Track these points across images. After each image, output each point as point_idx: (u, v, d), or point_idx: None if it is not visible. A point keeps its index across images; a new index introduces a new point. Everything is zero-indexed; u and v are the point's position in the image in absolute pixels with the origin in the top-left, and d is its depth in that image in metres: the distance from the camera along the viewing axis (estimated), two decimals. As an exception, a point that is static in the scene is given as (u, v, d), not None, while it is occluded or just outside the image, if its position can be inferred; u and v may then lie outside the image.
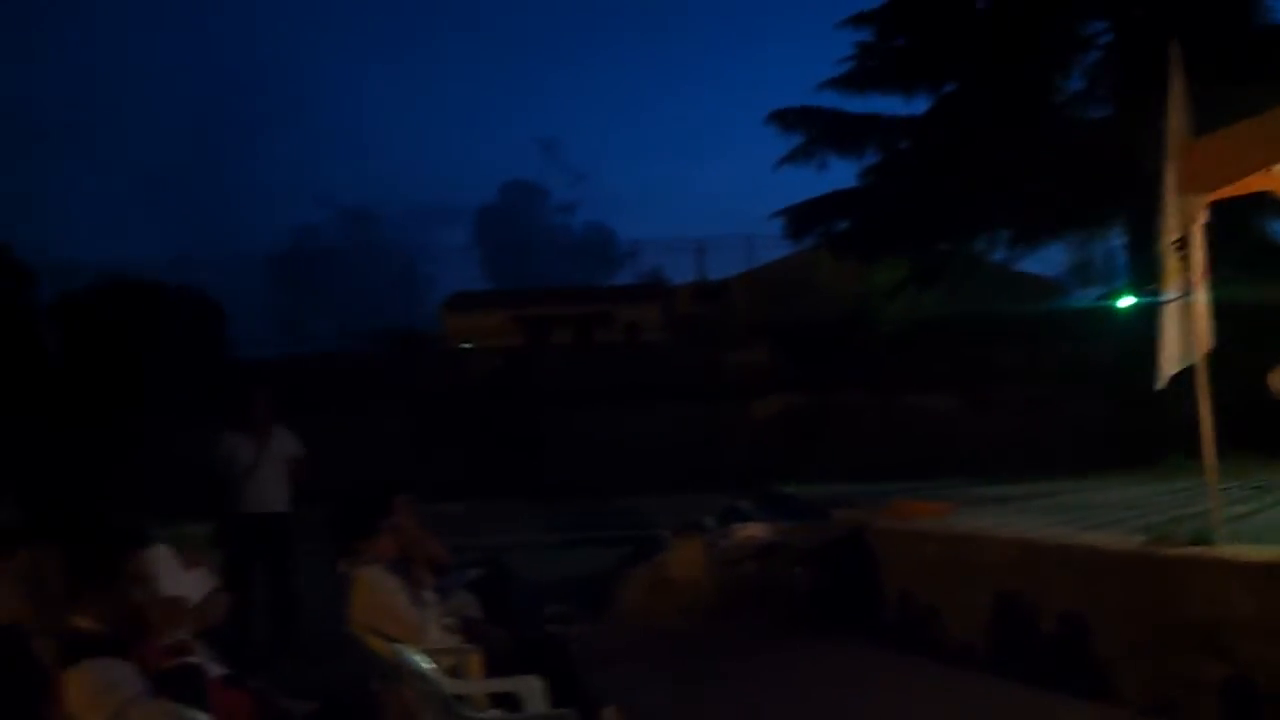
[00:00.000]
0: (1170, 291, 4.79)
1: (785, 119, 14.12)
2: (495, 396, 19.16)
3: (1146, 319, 6.38)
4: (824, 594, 7.17)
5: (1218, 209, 4.89)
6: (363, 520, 4.33)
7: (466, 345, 25.63)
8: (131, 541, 2.79)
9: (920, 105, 13.93)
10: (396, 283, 26.52)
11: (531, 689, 3.70)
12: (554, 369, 20.65)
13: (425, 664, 3.49)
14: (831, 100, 14.08)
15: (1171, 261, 4.77)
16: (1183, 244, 4.75)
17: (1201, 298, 4.79)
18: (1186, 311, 4.75)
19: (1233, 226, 9.41)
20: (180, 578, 2.95)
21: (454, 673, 3.99)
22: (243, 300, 23.87)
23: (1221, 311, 4.93)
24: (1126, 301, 11.80)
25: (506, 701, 3.89)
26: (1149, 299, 7.88)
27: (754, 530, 7.66)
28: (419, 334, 25.40)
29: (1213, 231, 4.88)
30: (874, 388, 17.46)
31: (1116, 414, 11.77)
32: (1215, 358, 4.88)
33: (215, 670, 2.84)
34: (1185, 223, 4.73)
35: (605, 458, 17.30)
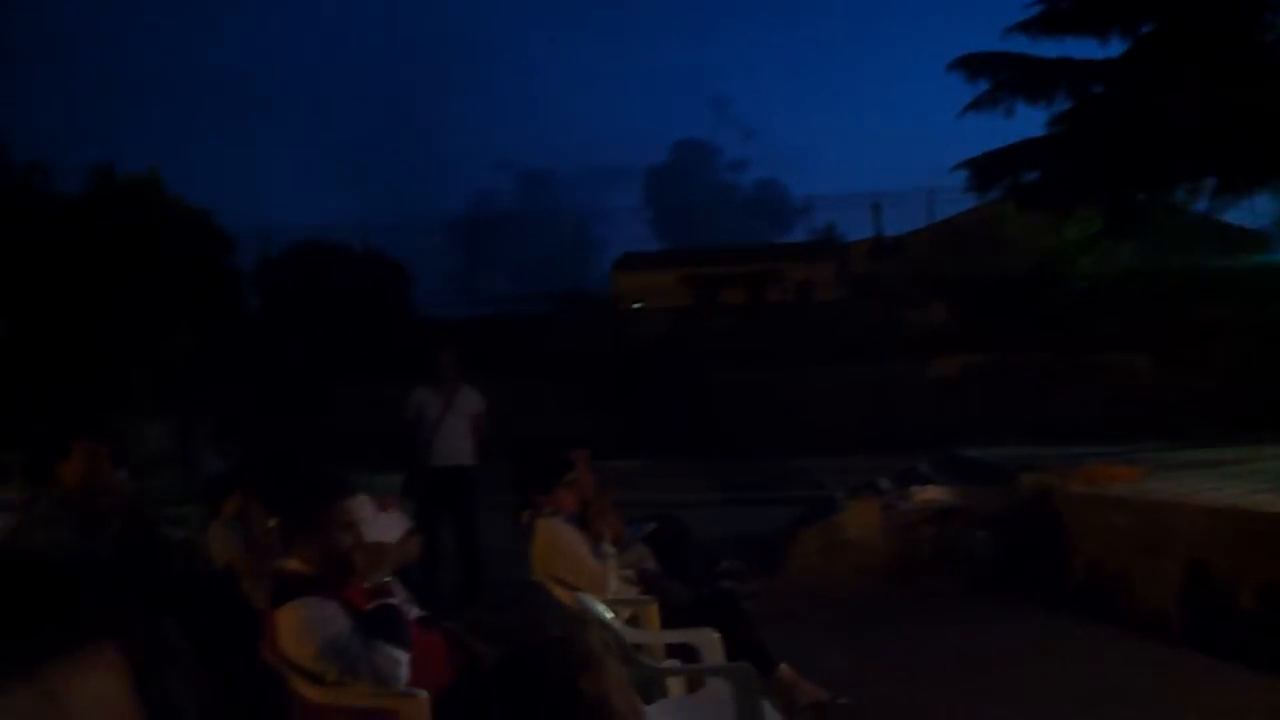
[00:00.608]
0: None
1: (970, 65, 13.51)
2: (665, 356, 19.30)
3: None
4: (1006, 560, 6.96)
5: None
6: (544, 474, 4.46)
7: (636, 305, 25.88)
8: (337, 489, 2.96)
9: (1115, 47, 13.08)
10: (569, 244, 26.96)
11: (709, 641, 3.74)
12: (724, 329, 20.60)
13: (606, 613, 3.58)
14: (1019, 45, 13.39)
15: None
16: None
17: None
18: None
19: None
20: (377, 522, 3.11)
21: (632, 623, 4.08)
22: (425, 263, 24.78)
23: None
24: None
25: (682, 652, 3.95)
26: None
27: (933, 493, 7.47)
28: (590, 294, 25.80)
29: None
30: (1062, 346, 16.69)
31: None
32: None
33: (413, 612, 2.99)
34: None
35: (776, 417, 17.23)
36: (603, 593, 3.99)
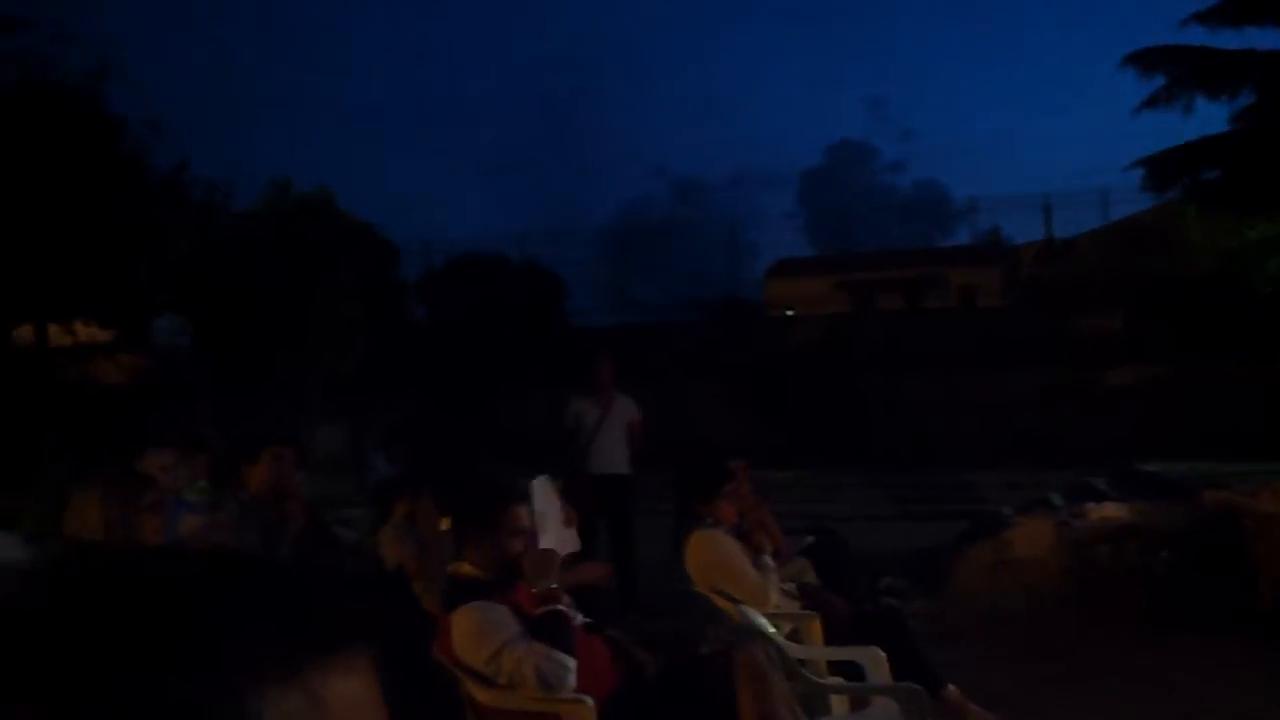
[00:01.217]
0: None
1: (1145, 60, 12.87)
2: (820, 364, 19.04)
3: None
4: (1188, 581, 6.56)
5: None
6: (705, 484, 4.45)
7: (789, 312, 25.62)
8: (509, 496, 3.03)
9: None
10: (721, 251, 26.86)
11: (875, 659, 3.66)
12: (881, 336, 20.15)
13: (769, 627, 3.54)
14: (1197, 37, 12.69)
15: None
16: None
17: None
18: None
19: None
20: (561, 534, 3.17)
21: (793, 638, 4.02)
22: (579, 271, 25.14)
23: None
24: None
25: (845, 670, 3.87)
26: None
27: (1109, 510, 7.10)
28: (743, 302, 25.68)
29: None
30: (1247, 355, 15.66)
31: None
32: None
33: (578, 619, 3.02)
34: None
35: (937, 428, 16.76)
36: (764, 606, 3.95)
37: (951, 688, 4.14)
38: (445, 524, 3.17)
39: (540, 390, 11.44)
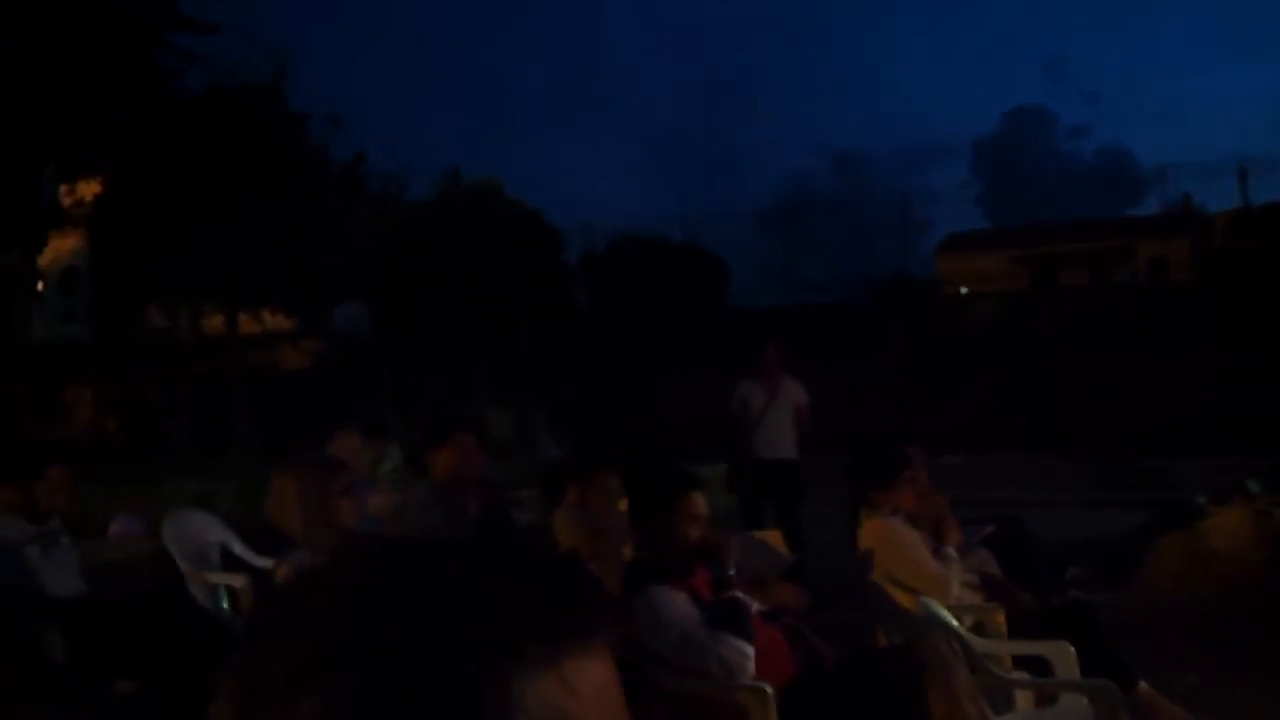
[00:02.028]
0: None
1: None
2: (996, 343, 18.34)
3: None
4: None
5: None
6: (882, 470, 4.35)
7: (963, 290, 24.79)
8: (686, 483, 3.05)
9: None
10: (889, 227, 26.18)
11: (1064, 654, 3.51)
12: (1063, 313, 19.22)
13: (951, 619, 3.45)
14: None
15: None
16: None
17: None
18: None
19: None
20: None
21: (975, 630, 3.90)
22: (741, 251, 24.99)
23: None
24: None
25: (1030, 664, 3.74)
26: None
27: (1318, 498, 6.61)
28: (913, 280, 24.99)
29: None
30: None
31: None
32: None
33: (755, 606, 3.02)
34: None
35: (1124, 410, 15.88)
36: (945, 598, 3.84)
37: (1144, 685, 3.95)
38: (624, 505, 3.22)
39: (703, 373, 11.45)
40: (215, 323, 20.59)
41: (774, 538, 4.82)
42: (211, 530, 5.70)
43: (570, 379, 18.39)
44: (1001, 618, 3.93)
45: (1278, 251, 18.88)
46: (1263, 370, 15.80)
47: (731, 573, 2.92)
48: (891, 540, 4.09)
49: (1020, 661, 3.77)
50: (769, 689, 2.71)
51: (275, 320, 21.39)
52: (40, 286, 21.74)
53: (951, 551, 4.21)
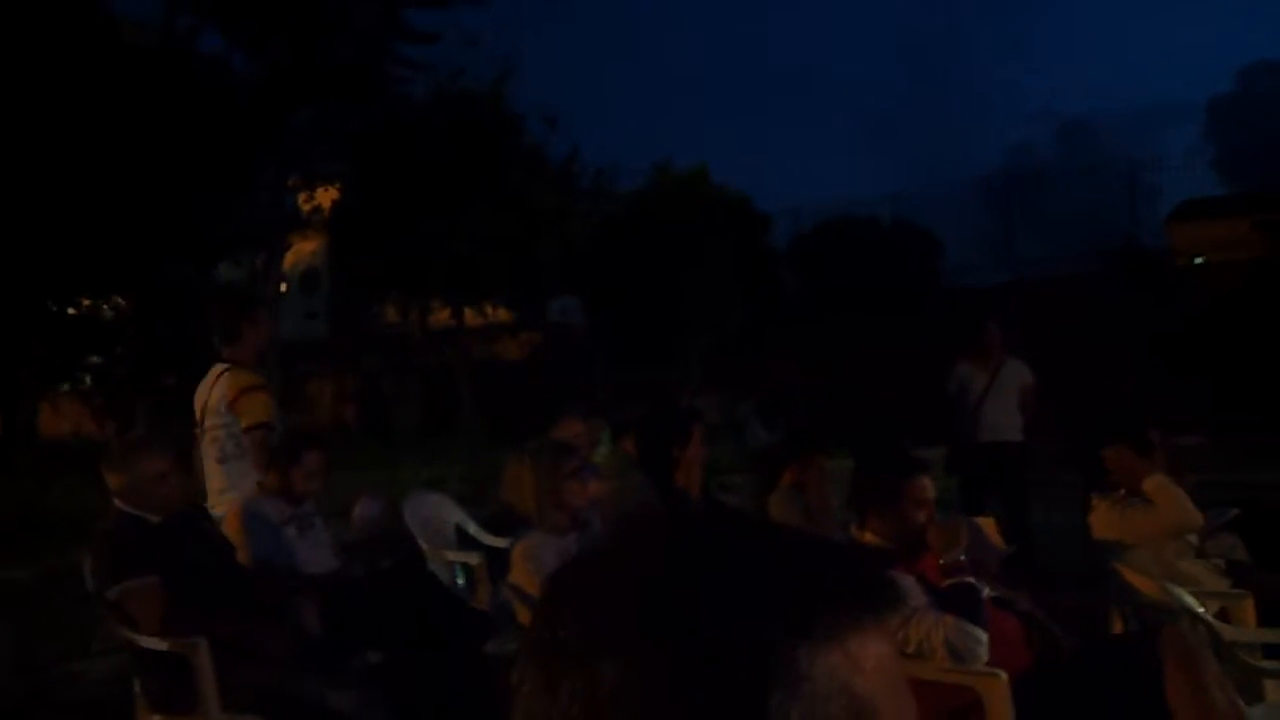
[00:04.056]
0: None
1: None
2: (1238, 315, 16.98)
3: None
4: None
5: None
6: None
7: (1199, 260, 23.02)
8: (912, 466, 3.03)
9: None
10: (1117, 196, 24.58)
11: (1323, 646, 3.27)
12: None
13: (1196, 606, 3.27)
14: None
15: None
16: None
17: None
18: None
19: None
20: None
21: (1221, 618, 3.69)
22: (958, 227, 24.04)
23: None
24: None
25: (1280, 654, 3.50)
26: None
27: None
28: (1145, 251, 23.39)
29: None
30: None
31: None
32: None
33: (987, 592, 2.97)
34: None
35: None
36: (1194, 515, 3.64)
37: None
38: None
39: (920, 354, 11.16)
40: (442, 317, 21.72)
41: (989, 525, 4.71)
42: (448, 511, 6.07)
43: (780, 363, 18.33)
44: (1250, 605, 3.69)
45: None
46: None
47: (963, 558, 2.88)
48: (1124, 518, 3.89)
49: (1271, 651, 3.54)
50: (1003, 675, 2.66)
51: (497, 314, 22.36)
52: (284, 288, 23.53)
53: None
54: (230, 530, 4.31)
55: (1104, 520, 4.00)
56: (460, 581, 5.57)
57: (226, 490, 4.64)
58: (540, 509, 3.81)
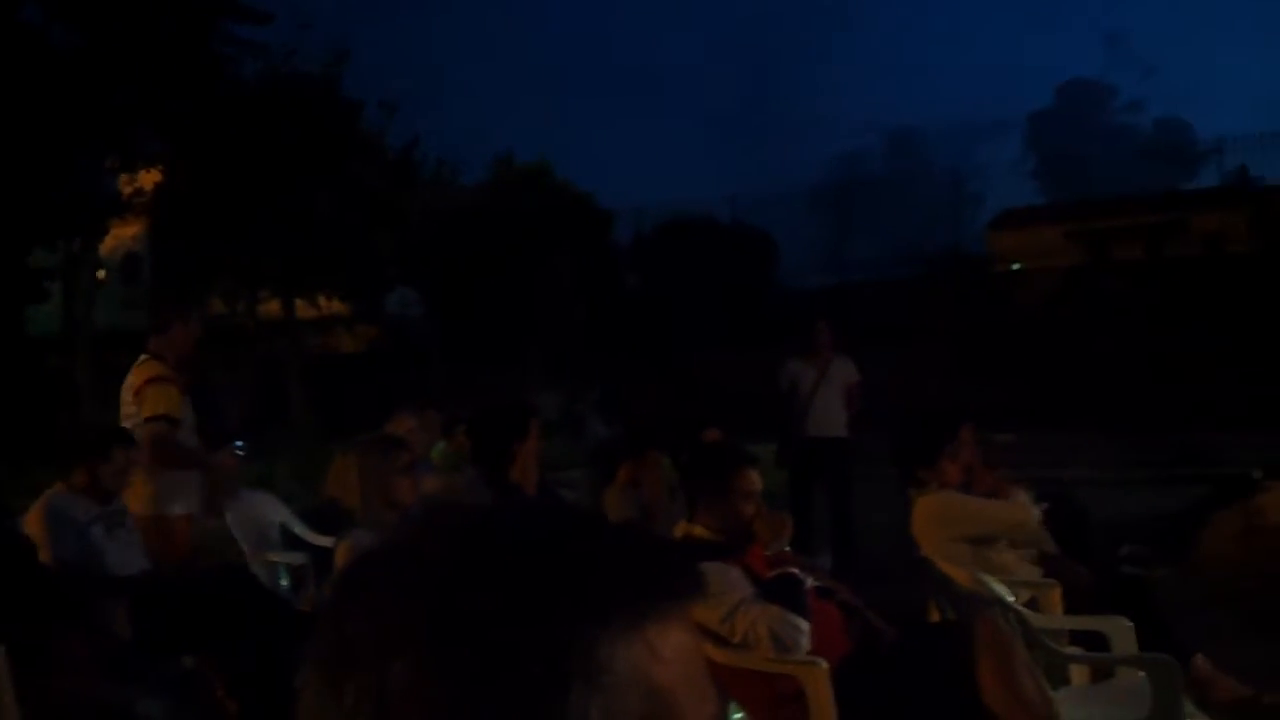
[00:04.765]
0: None
1: None
2: (1051, 319, 18.09)
3: None
4: None
5: None
6: (925, 445, 4.33)
7: (1016, 266, 24.43)
8: (740, 459, 3.07)
9: None
10: (942, 204, 25.83)
11: (1121, 630, 3.49)
12: (1117, 288, 18.90)
13: (1007, 594, 3.44)
14: None
15: None
16: None
17: None
18: None
19: None
20: None
21: (1031, 606, 3.89)
22: (792, 231, 24.78)
23: None
24: None
25: (1087, 640, 3.72)
26: None
27: (1379, 473, 6.48)
28: (967, 256, 24.68)
29: None
30: None
31: None
32: None
33: (810, 582, 3.04)
34: None
35: (1179, 386, 15.62)
36: (1031, 522, 3.84)
37: (1200, 657, 3.90)
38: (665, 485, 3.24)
39: (754, 353, 11.44)
40: (273, 308, 20.92)
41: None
42: (273, 511, 5.85)
43: (620, 360, 18.45)
44: (1058, 594, 3.91)
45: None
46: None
47: (787, 549, 2.94)
48: (949, 508, 4.05)
49: (1077, 637, 3.75)
50: (824, 663, 2.73)
51: (331, 306, 21.69)
52: (102, 275, 22.23)
53: (1021, 494, 4.20)
54: (32, 529, 4.06)
55: (920, 512, 4.15)
56: (284, 583, 5.38)
57: (154, 487, 4.55)
58: (367, 505, 3.70)
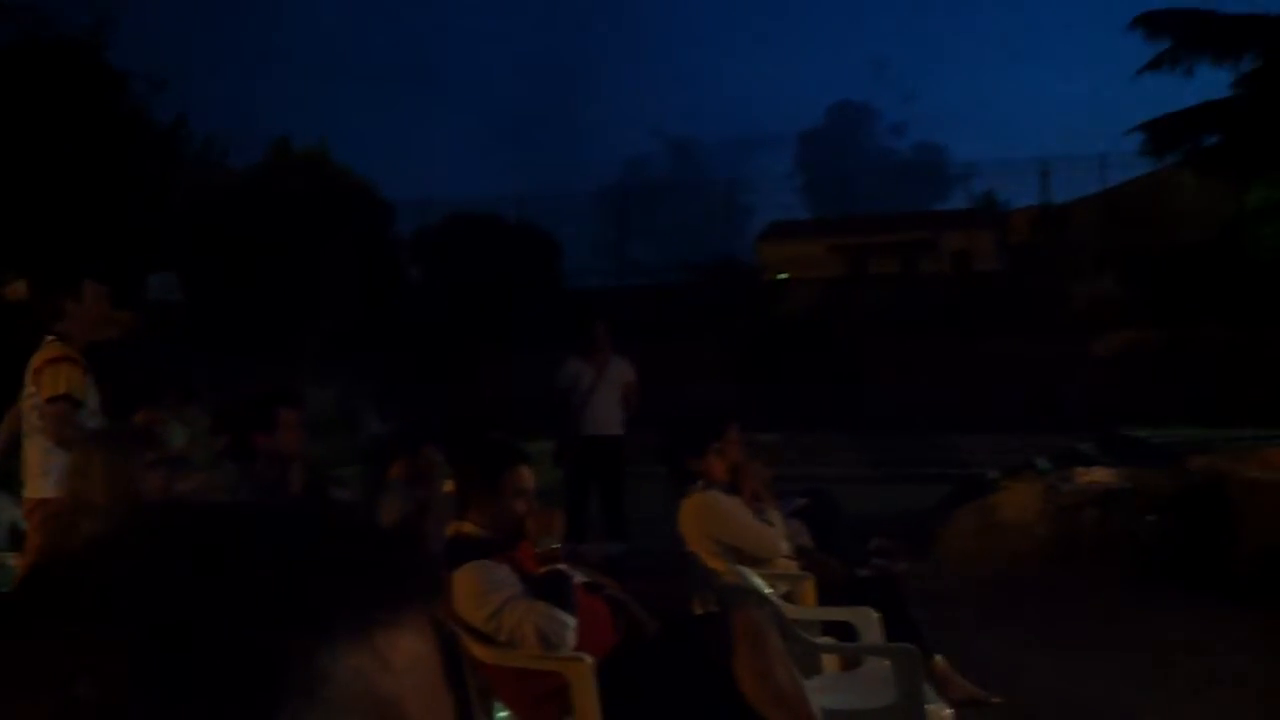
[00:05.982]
0: None
1: (1152, 22, 12.86)
2: (813, 327, 19.07)
3: None
4: (1173, 547, 6.64)
5: None
6: (693, 440, 4.47)
7: (782, 276, 25.57)
8: (512, 457, 3.06)
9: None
10: (717, 213, 26.73)
11: (868, 621, 3.71)
12: (874, 300, 20.18)
13: (764, 587, 3.59)
14: (1204, 1, 12.74)
15: None
16: None
17: None
18: None
19: None
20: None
21: (787, 598, 4.07)
22: (576, 232, 25.00)
23: None
24: None
25: (837, 630, 3.93)
26: None
27: (1097, 475, 7.19)
28: (738, 265, 25.64)
29: None
30: (1240, 321, 15.70)
31: None
32: None
33: (578, 577, 3.07)
34: None
35: (927, 392, 16.80)
36: (777, 554, 4.00)
37: (939, 658, 4.19)
38: (449, 486, 3.19)
39: (534, 351, 11.46)
40: (19, 290, 19.12)
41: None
42: (3, 509, 5.38)
43: (398, 355, 18.03)
44: (812, 586, 4.12)
45: (1073, 246, 20.33)
46: (1058, 355, 16.99)
47: (556, 546, 2.95)
48: (712, 510, 4.21)
49: (829, 627, 3.96)
50: (588, 659, 2.76)
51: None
52: None
53: (775, 516, 4.38)
54: None
55: (688, 509, 4.29)
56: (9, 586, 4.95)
57: (49, 473, 4.23)
58: (110, 502, 3.45)
